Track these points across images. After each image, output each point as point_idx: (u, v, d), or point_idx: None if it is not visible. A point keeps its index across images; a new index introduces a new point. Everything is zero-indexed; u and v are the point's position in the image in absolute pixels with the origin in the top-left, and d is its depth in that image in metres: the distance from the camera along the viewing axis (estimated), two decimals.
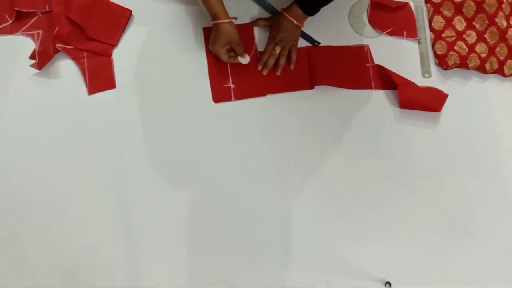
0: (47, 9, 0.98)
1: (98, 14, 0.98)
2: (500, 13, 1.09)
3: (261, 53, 1.01)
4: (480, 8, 1.09)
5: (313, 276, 0.92)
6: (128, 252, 0.90)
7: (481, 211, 0.98)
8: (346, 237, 0.94)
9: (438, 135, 1.02)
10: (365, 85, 1.03)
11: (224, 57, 0.95)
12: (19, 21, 0.98)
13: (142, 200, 0.92)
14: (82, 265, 0.89)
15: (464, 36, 1.08)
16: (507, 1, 1.10)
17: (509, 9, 1.10)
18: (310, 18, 0.96)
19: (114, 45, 0.99)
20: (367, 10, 1.08)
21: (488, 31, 1.08)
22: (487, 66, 1.06)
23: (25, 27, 0.98)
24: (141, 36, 1.01)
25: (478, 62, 1.05)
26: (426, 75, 1.05)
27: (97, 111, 0.96)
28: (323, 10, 0.94)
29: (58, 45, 0.96)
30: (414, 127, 1.02)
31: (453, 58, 1.05)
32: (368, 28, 1.07)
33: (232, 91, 0.99)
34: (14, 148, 0.93)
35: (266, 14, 1.04)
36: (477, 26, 1.09)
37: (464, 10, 1.09)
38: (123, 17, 1.00)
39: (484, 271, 0.96)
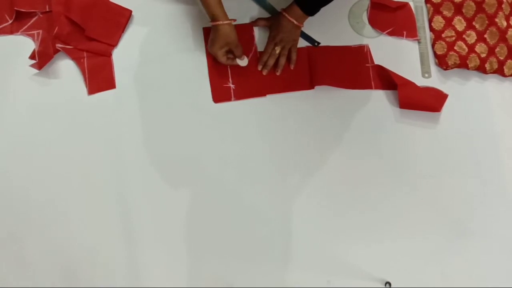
0: (47, 9, 0.98)
1: (98, 14, 0.98)
2: (500, 13, 1.09)
3: (261, 53, 1.01)
4: (480, 8, 1.09)
5: (313, 276, 0.92)
6: (128, 252, 0.90)
7: (481, 211, 0.98)
8: (346, 237, 0.94)
9: (438, 135, 1.02)
10: (365, 85, 1.03)
11: (222, 58, 0.94)
12: (19, 21, 0.98)
13: (142, 200, 0.92)
14: (82, 265, 0.89)
15: (464, 36, 1.08)
16: (507, 1, 1.10)
17: (509, 9, 1.10)
18: (310, 18, 0.96)
19: (114, 45, 0.99)
20: (367, 10, 1.08)
21: (488, 31, 1.08)
22: (487, 66, 1.06)
23: (25, 27, 0.98)
24: (141, 36, 1.01)
25: (478, 62, 1.05)
26: (426, 75, 1.06)
27: (97, 111, 0.96)
28: (323, 10, 0.94)
29: (58, 45, 0.96)
30: (414, 127, 1.02)
31: (453, 58, 1.05)
32: (368, 28, 1.07)
33: (232, 91, 0.99)
34: (14, 148, 0.93)
35: (266, 14, 1.04)
36: (477, 26, 1.09)
37: (464, 10, 1.09)
38: (123, 17, 1.00)
39: (484, 271, 0.96)
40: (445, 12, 1.09)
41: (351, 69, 1.03)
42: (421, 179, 0.99)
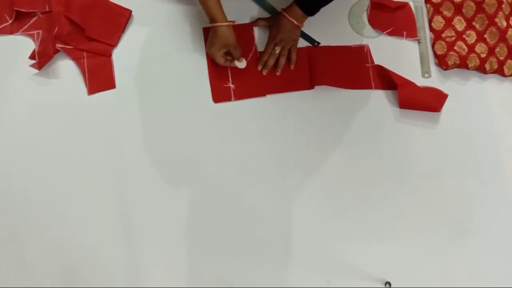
0: (47, 9, 0.98)
1: (98, 14, 0.98)
2: (500, 13, 1.09)
3: (261, 53, 1.01)
4: (480, 8, 1.09)
5: (313, 276, 0.92)
6: (128, 252, 0.90)
7: (481, 211, 0.98)
8: (346, 237, 0.94)
9: (438, 135, 1.02)
10: (365, 85, 1.03)
11: (220, 60, 0.94)
12: (19, 21, 0.98)
13: (142, 200, 0.92)
14: (82, 265, 0.89)
15: (464, 36, 1.08)
16: (507, 1, 1.10)
17: (509, 9, 1.10)
18: (310, 18, 0.96)
19: (114, 45, 0.99)
20: (367, 10, 1.08)
21: (488, 31, 1.08)
22: (487, 66, 1.06)
23: (25, 27, 0.98)
24: (141, 36, 1.01)
25: (478, 62, 1.05)
26: (426, 75, 1.06)
27: (97, 111, 0.96)
28: (323, 10, 0.94)
29: (58, 45, 0.96)
30: (414, 127, 1.02)
31: (453, 58, 1.05)
32: (368, 28, 1.07)
33: (232, 91, 0.99)
34: (14, 148, 0.93)
35: (266, 14, 1.04)
36: (477, 26, 1.09)
37: (464, 10, 1.09)
38: (123, 17, 1.00)
39: (484, 271, 0.96)
40: (445, 12, 1.09)
41: (351, 69, 1.03)
42: (421, 179, 0.99)
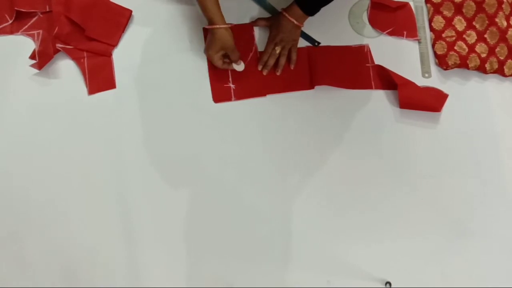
0: (47, 9, 0.98)
1: (98, 14, 0.98)
2: (500, 13, 1.09)
3: (261, 53, 1.01)
4: (480, 8, 1.09)
5: (313, 276, 0.92)
6: (128, 252, 0.90)
7: (481, 211, 0.98)
8: (346, 237, 0.94)
9: (438, 135, 1.02)
10: (365, 85, 1.03)
11: (218, 62, 0.94)
12: (19, 21, 0.98)
13: (142, 200, 0.92)
14: (82, 265, 0.89)
15: (464, 36, 1.08)
16: (507, 1, 1.10)
17: (509, 9, 1.10)
18: (310, 18, 0.96)
19: (114, 45, 0.99)
20: (367, 10, 1.08)
21: (488, 31, 1.08)
22: (487, 66, 1.06)
23: (25, 27, 0.98)
24: (141, 36, 1.01)
25: (478, 62, 1.05)
26: (426, 75, 1.05)
27: (97, 111, 0.96)
28: (323, 10, 0.94)
29: (58, 45, 0.96)
30: (414, 127, 1.02)
31: (453, 58, 1.05)
32: (368, 28, 1.07)
33: (232, 91, 0.99)
34: (14, 148, 0.93)
35: (266, 14, 1.04)
36: (477, 26, 1.09)
37: (464, 10, 1.09)
38: (123, 17, 1.00)
39: (484, 271, 0.96)
40: (445, 12, 1.09)
41: (351, 69, 1.03)
42: (421, 179, 0.99)
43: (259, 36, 1.03)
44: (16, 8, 0.96)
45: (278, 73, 1.00)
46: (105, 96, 0.97)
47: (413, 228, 0.96)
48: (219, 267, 0.91)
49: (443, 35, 1.08)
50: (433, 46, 1.07)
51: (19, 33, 0.98)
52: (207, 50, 0.94)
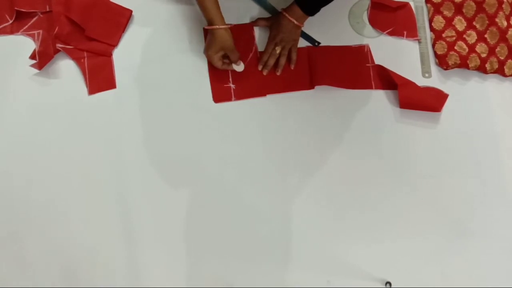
0: (47, 9, 0.98)
1: (98, 14, 0.98)
2: (500, 13, 1.09)
3: (261, 53, 1.01)
4: (480, 8, 1.09)
5: (313, 276, 0.92)
6: (128, 252, 0.90)
7: (481, 211, 0.98)
8: (346, 237, 0.94)
9: (438, 135, 1.02)
10: (365, 85, 1.03)
11: (217, 63, 0.94)
12: (19, 21, 0.98)
13: (142, 200, 0.92)
14: (82, 265, 0.89)
15: (464, 36, 1.08)
16: (507, 1, 1.10)
17: (509, 9, 1.10)
18: (310, 18, 0.96)
19: (114, 45, 0.99)
20: (367, 10, 1.08)
21: (488, 31, 1.08)
22: (487, 66, 1.06)
23: (25, 27, 0.98)
24: (141, 36, 1.01)
25: (478, 62, 1.05)
26: (426, 75, 1.05)
27: (97, 111, 0.96)
28: (323, 10, 0.94)
29: (58, 45, 0.96)
30: (414, 127, 1.02)
31: (453, 58, 1.05)
32: (368, 28, 1.07)
33: (232, 91, 0.99)
34: (14, 148, 0.93)
35: (266, 14, 1.04)
36: (477, 26, 1.09)
37: (464, 10, 1.09)
38: (123, 17, 1.00)
39: (484, 271, 0.96)
40: (446, 12, 1.09)
41: (351, 69, 1.03)
42: (421, 179, 0.99)
43: (259, 36, 1.03)
44: (16, 8, 0.97)
45: (278, 73, 1.00)
46: (105, 96, 0.97)
47: (413, 228, 0.96)
48: (219, 267, 0.91)
49: (443, 35, 1.08)
50: (433, 46, 1.07)
51: (19, 33, 0.98)
52: (206, 51, 0.94)
